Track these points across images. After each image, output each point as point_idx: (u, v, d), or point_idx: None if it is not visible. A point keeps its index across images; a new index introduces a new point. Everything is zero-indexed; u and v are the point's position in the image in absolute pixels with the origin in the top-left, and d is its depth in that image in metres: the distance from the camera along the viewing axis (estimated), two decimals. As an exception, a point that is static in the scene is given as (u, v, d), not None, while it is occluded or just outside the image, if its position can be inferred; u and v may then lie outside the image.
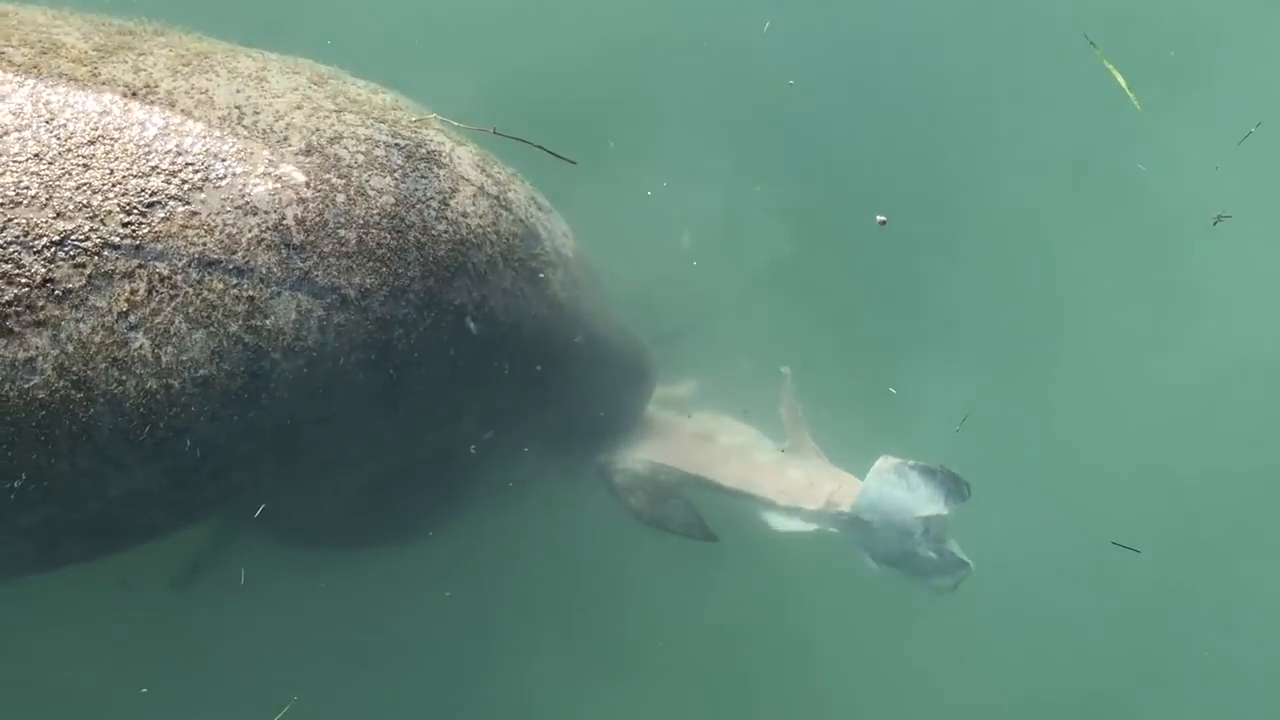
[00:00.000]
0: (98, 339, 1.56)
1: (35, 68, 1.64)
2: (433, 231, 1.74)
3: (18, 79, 1.61)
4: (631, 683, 3.06)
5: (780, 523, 2.42)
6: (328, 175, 1.67)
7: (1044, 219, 3.37)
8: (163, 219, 1.57)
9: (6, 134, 1.56)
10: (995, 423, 3.13)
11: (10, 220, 1.53)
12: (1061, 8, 3.41)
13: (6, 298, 1.56)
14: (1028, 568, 3.10)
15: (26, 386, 1.57)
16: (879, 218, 3.15)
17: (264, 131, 1.67)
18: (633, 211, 3.10)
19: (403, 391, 1.77)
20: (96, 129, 1.59)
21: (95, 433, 1.60)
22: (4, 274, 1.52)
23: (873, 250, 3.29)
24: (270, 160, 1.64)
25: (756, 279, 3.23)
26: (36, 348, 1.57)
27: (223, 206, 1.59)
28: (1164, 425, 3.26)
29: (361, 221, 1.67)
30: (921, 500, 2.24)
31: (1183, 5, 3.50)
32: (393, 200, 1.71)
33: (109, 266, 1.55)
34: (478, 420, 1.99)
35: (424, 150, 1.81)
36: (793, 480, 2.41)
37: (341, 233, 1.65)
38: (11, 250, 1.54)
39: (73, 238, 1.56)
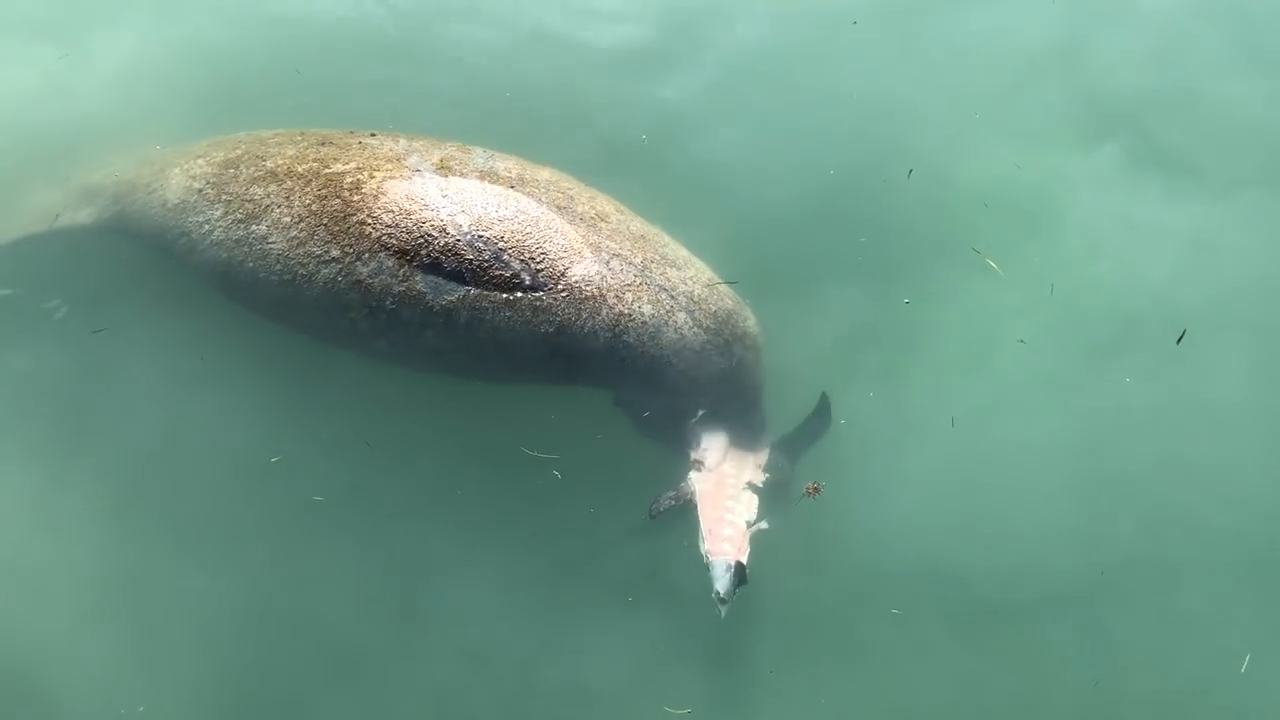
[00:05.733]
0: (621, 291, 3.72)
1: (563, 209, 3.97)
2: (738, 326, 3.90)
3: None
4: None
5: (701, 550, 3.60)
6: (712, 290, 3.90)
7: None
8: (660, 274, 3.81)
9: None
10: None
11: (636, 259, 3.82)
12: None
13: (614, 281, 3.68)
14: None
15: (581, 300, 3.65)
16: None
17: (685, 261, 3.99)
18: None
19: (704, 364, 3.81)
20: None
21: (609, 324, 3.71)
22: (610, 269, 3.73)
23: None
24: (695, 285, 3.92)
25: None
26: (598, 282, 3.67)
27: (674, 278, 3.83)
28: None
29: (715, 309, 3.86)
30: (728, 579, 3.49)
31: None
32: (729, 307, 3.90)
33: (632, 275, 3.75)
34: (715, 389, 3.89)
35: (736, 294, 4.03)
36: (720, 543, 3.60)
37: (708, 309, 3.84)
38: (611, 261, 3.75)
39: (629, 261, 3.76)
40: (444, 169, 3.93)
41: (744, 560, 3.55)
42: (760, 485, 3.78)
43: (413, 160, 3.97)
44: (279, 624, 3.77)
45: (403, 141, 4.11)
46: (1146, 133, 4.42)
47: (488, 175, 3.94)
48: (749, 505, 3.73)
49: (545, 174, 4.07)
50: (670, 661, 3.70)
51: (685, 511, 3.71)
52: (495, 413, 4.08)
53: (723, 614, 3.54)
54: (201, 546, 3.89)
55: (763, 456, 3.89)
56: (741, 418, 3.98)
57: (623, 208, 4.12)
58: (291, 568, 3.86)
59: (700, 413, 3.91)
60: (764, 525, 3.70)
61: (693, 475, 3.81)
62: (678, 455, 3.90)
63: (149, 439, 4.10)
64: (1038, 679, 3.64)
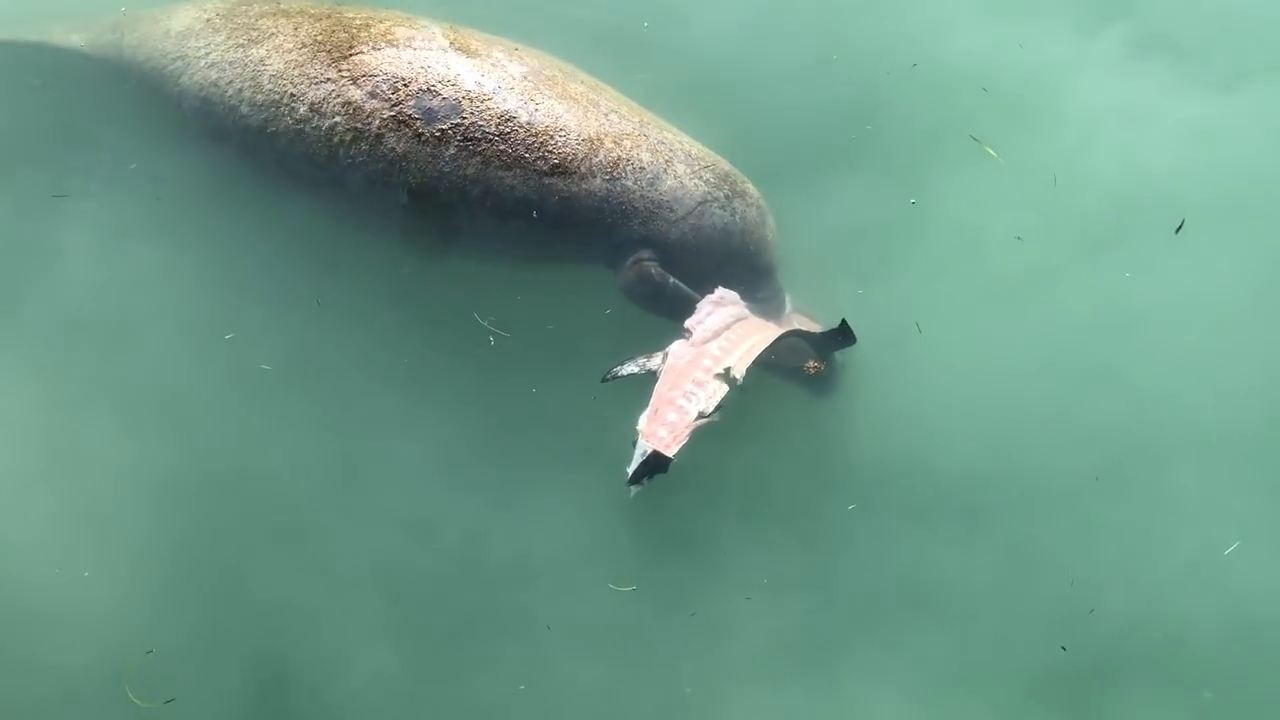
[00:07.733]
0: (619, 138, 3.73)
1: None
2: (738, 184, 3.85)
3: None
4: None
5: (637, 425, 3.39)
6: (715, 155, 3.90)
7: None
8: (658, 132, 3.83)
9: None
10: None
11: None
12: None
13: (612, 129, 3.76)
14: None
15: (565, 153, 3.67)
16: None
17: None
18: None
19: (706, 215, 3.74)
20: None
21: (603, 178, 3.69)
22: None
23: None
24: (693, 148, 3.89)
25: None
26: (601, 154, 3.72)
27: (670, 138, 3.83)
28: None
29: (713, 164, 3.83)
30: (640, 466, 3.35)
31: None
32: (727, 168, 3.87)
33: (631, 127, 3.77)
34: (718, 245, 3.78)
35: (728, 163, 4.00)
36: (658, 427, 3.41)
37: (706, 163, 3.81)
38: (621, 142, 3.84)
39: (627, 118, 3.85)
40: (453, 31, 3.99)
41: (672, 454, 3.36)
42: (740, 379, 3.50)
43: (424, 21, 4.04)
44: (221, 488, 3.68)
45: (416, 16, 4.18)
46: (1151, 18, 4.36)
47: (493, 43, 4.00)
48: (712, 395, 3.46)
49: (547, 56, 4.12)
50: (617, 538, 3.59)
51: (640, 387, 3.51)
52: (458, 281, 3.97)
53: (630, 494, 3.43)
54: (142, 409, 3.80)
55: (769, 338, 3.63)
56: (752, 290, 3.85)
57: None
58: (233, 430, 3.76)
59: (716, 285, 3.76)
60: (716, 418, 3.47)
61: (674, 346, 3.60)
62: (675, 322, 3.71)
63: (89, 296, 4.00)
64: (1015, 568, 3.55)
